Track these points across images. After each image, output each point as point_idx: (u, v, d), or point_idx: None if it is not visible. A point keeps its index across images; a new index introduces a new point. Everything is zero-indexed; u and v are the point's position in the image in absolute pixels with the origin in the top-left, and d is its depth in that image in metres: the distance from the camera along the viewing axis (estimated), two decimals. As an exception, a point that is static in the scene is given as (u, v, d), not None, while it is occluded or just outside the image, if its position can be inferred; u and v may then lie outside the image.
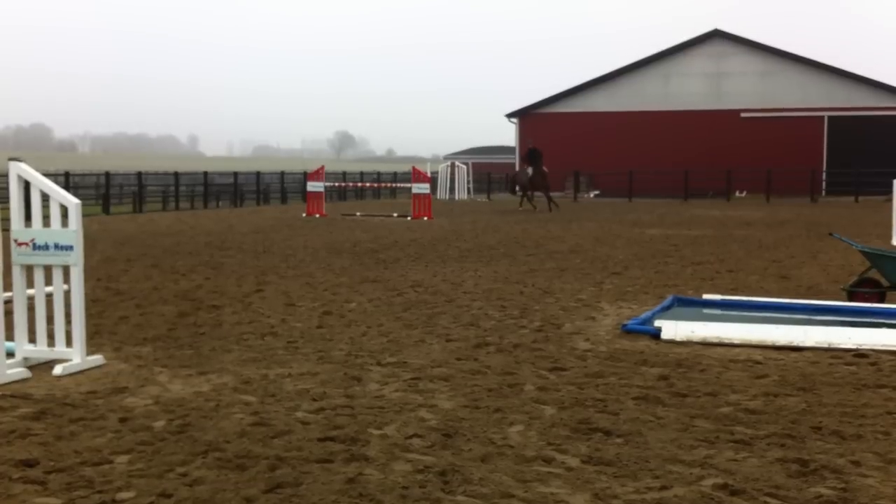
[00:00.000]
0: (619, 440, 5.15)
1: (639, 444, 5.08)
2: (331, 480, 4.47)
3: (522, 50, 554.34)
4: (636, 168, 46.61)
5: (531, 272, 13.34)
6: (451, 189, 45.88)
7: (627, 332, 8.45)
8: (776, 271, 13.54)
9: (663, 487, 4.38)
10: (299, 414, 5.67)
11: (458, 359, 7.32)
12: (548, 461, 4.78)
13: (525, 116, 54.75)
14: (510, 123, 55.67)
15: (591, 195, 48.96)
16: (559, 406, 5.88)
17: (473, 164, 53.21)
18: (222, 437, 5.15)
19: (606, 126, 52.24)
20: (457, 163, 48.06)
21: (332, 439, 5.13)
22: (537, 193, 33.51)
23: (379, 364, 7.12)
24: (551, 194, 33.85)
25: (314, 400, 6.01)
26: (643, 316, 9.06)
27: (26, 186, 7.01)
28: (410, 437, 5.20)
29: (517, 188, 34.25)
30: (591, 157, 51.01)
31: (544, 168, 33.12)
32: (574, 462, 4.77)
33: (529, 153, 33.33)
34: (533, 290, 11.42)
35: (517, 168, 34.50)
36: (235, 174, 41.61)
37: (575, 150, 51.52)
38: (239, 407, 5.83)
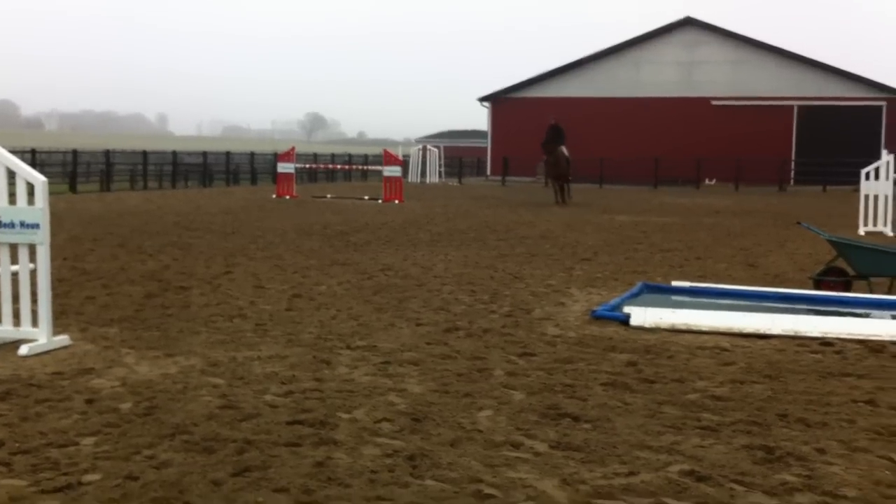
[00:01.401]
0: (587, 426, 5.17)
1: (607, 429, 5.10)
2: (299, 464, 4.46)
3: (495, 36, 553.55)
4: (607, 155, 46.76)
5: (501, 257, 13.35)
6: (423, 172, 45.81)
7: (597, 318, 8.49)
8: (744, 259, 13.66)
9: (630, 473, 4.41)
10: (268, 397, 5.64)
11: (428, 343, 7.32)
12: (516, 446, 4.79)
13: (497, 101, 54.70)
14: (482, 108, 55.59)
15: (562, 181, 49.02)
16: (528, 391, 5.90)
17: (445, 147, 53.15)
18: (190, 420, 5.12)
19: (578, 112, 52.28)
20: (429, 146, 47.99)
21: (300, 423, 5.11)
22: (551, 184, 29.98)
23: (348, 348, 7.10)
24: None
25: (283, 383, 5.98)
26: (612, 302, 9.10)
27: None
28: (380, 421, 5.19)
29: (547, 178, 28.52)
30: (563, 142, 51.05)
31: (564, 150, 27.69)
32: (542, 447, 4.79)
33: (554, 131, 27.80)
34: (503, 275, 11.44)
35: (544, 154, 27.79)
36: (205, 154, 41.26)
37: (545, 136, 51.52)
38: (207, 389, 5.80)
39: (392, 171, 28.44)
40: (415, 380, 6.15)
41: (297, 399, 5.61)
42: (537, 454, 4.68)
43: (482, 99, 55.33)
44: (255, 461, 4.48)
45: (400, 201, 27.03)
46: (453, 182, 46.04)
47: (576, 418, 5.29)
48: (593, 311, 8.67)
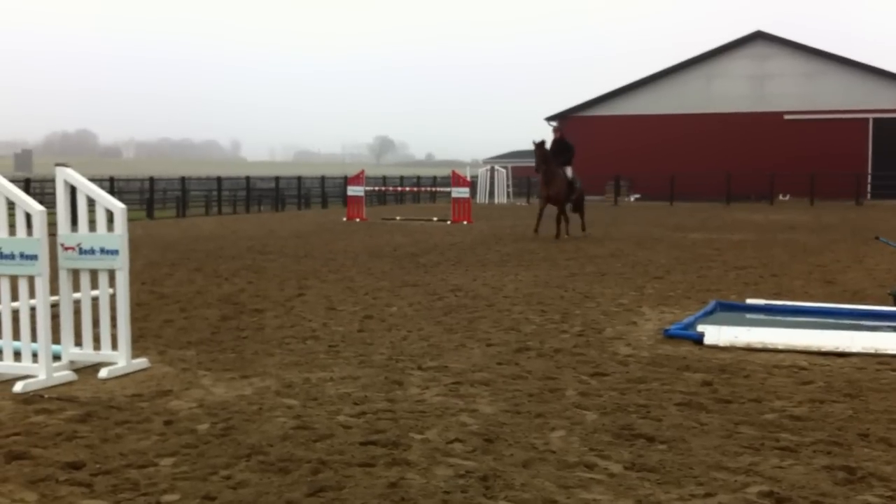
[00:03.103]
0: (662, 446, 5.10)
1: (682, 450, 5.03)
2: (373, 484, 4.48)
3: (562, 55, 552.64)
4: (677, 171, 46.26)
5: (571, 276, 13.28)
6: (491, 193, 45.86)
7: (670, 337, 8.38)
8: (821, 276, 13.37)
9: (707, 495, 4.34)
10: (341, 418, 5.69)
11: (499, 363, 7.31)
12: (590, 467, 4.75)
13: (565, 120, 54.55)
14: (550, 127, 55.49)
15: (632, 199, 48.67)
16: (601, 411, 5.85)
17: (513, 167, 53.13)
18: (265, 441, 5.19)
19: (647, 129, 51.89)
20: (496, 167, 48.03)
21: (373, 443, 5.15)
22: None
23: (420, 368, 7.13)
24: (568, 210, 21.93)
25: (356, 404, 6.03)
26: (685, 321, 8.99)
27: (73, 192, 7.12)
28: (452, 441, 5.20)
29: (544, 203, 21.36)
30: (632, 160, 50.68)
31: (569, 170, 21.25)
32: (616, 468, 4.74)
33: (558, 146, 21.33)
34: (573, 294, 11.38)
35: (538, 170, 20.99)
36: (277, 179, 41.93)
37: (615, 154, 51.23)
38: (281, 410, 5.87)
39: (460, 192, 28.53)
40: (486, 400, 6.14)
41: (370, 420, 5.65)
42: (611, 475, 4.63)
43: (550, 118, 55.24)
44: (330, 482, 4.51)
45: (468, 222, 27.08)
46: (521, 202, 45.97)
47: (650, 439, 5.23)
48: (666, 330, 8.56)
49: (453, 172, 31.11)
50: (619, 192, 47.31)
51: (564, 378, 6.80)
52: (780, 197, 45.96)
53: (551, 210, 21.26)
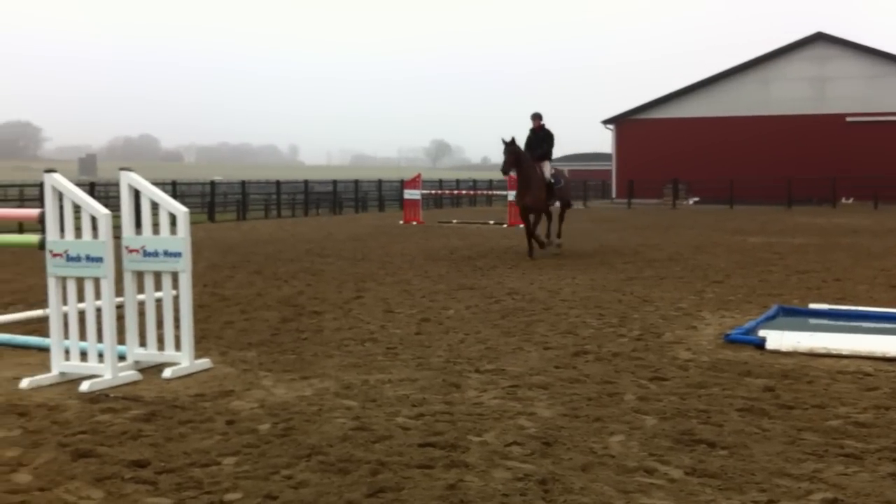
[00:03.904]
0: (723, 452, 5.04)
1: (744, 456, 4.97)
2: (431, 486, 4.50)
3: (619, 58, 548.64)
4: (737, 175, 45.66)
5: (629, 280, 13.18)
6: (548, 196, 45.62)
7: (730, 342, 8.28)
8: (885, 280, 13.10)
9: (770, 501, 4.28)
10: (399, 419, 5.72)
11: (557, 367, 7.28)
12: (650, 472, 4.72)
13: (622, 123, 54.18)
14: (607, 130, 55.15)
15: (691, 202, 48.14)
16: (661, 416, 5.80)
17: (569, 171, 52.92)
18: (325, 441, 5.24)
19: (706, 132, 51.30)
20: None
21: (432, 445, 5.17)
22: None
23: (477, 371, 7.14)
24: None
25: (414, 406, 6.06)
26: (747, 325, 8.87)
27: (136, 195, 7.26)
28: (510, 444, 5.20)
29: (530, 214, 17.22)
30: (690, 163, 50.17)
31: (547, 167, 17.25)
32: (677, 473, 4.69)
33: (534, 140, 17.31)
34: (631, 298, 11.29)
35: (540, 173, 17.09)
36: (334, 182, 42.30)
37: (673, 157, 50.76)
38: (341, 411, 5.92)
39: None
40: (544, 404, 6.13)
41: (428, 422, 5.67)
42: (672, 481, 4.59)
43: (606, 121, 54.91)
44: (389, 483, 4.54)
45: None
46: (578, 205, 45.73)
47: (711, 444, 5.17)
48: (727, 335, 8.46)
49: (510, 176, 31.07)
50: (678, 195, 46.81)
51: (623, 382, 6.76)
52: (843, 200, 45.10)
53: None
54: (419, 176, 31.90)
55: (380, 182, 45.22)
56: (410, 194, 30.60)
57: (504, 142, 16.30)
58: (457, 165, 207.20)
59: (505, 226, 27.31)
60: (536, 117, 17.48)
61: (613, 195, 53.97)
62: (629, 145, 53.30)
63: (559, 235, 18.14)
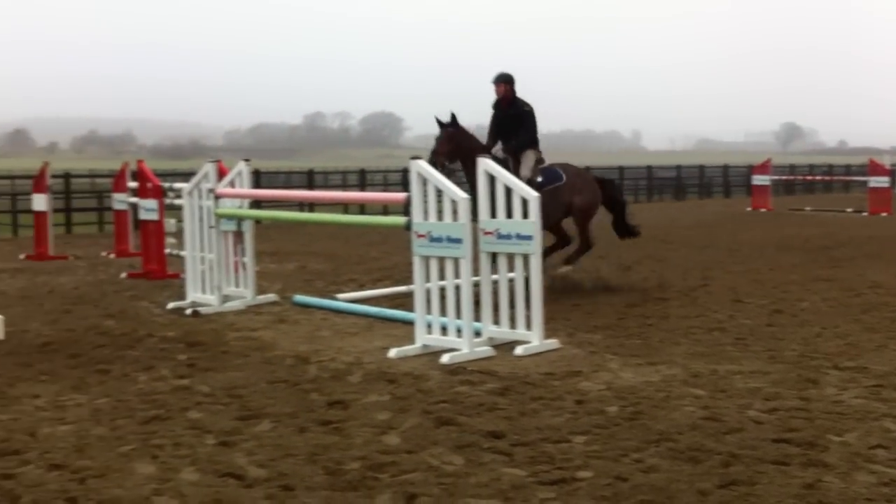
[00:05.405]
0: None
1: None
2: (787, 483, 4.35)
3: None
4: None
5: None
6: (915, 183, 41.82)
7: None
8: None
9: None
10: (751, 412, 5.56)
11: (929, 368, 6.70)
12: None
13: None
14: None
15: None
16: None
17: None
18: (674, 428, 5.21)
19: None
20: (922, 154, 43.71)
21: (786, 441, 4.98)
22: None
23: (836, 368, 6.74)
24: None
25: (766, 399, 5.85)
26: None
27: (491, 181, 7.62)
28: (874, 447, 4.88)
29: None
30: None
31: (525, 163, 10.80)
32: None
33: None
34: None
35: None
36: (678, 168, 41.52)
37: None
38: (689, 400, 5.86)
39: (879, 181, 26.41)
40: (914, 407, 5.68)
41: (782, 417, 5.46)
42: None
43: None
44: (741, 476, 4.44)
45: (888, 213, 24.98)
46: None
47: None
48: None
49: (871, 161, 28.84)
50: None
51: None
52: None
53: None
54: (769, 161, 30.52)
55: (725, 167, 43.73)
56: (759, 180, 29.37)
57: (440, 122, 10.56)
58: (809, 150, 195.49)
59: (865, 214, 25.41)
60: (502, 81, 10.94)
61: None
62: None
63: (570, 261, 11.27)
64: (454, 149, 10.40)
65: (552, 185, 10.77)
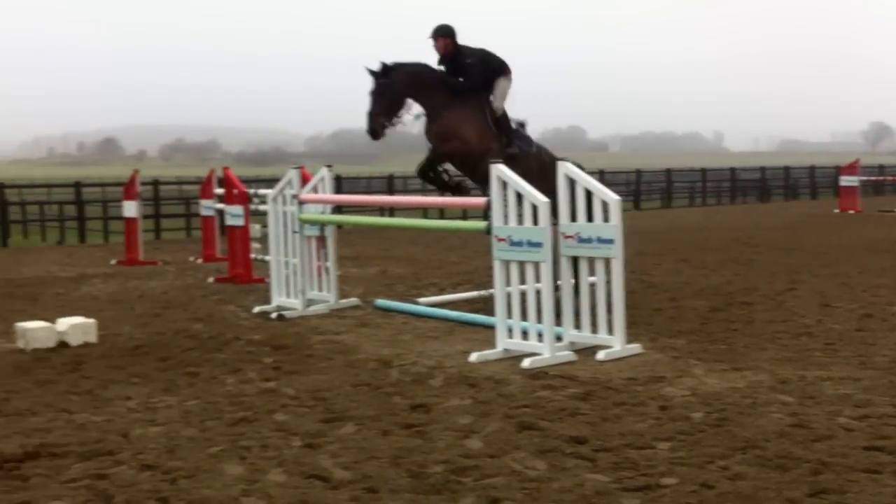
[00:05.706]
0: None
1: None
2: (879, 492, 4.24)
3: None
4: None
5: None
6: None
7: None
8: None
9: None
10: (841, 420, 5.43)
11: None
12: None
13: None
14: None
15: None
16: None
17: None
18: (761, 435, 5.12)
19: None
20: None
21: (879, 449, 4.85)
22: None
23: (930, 374, 6.55)
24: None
25: (857, 406, 5.71)
26: None
27: (571, 184, 7.59)
28: (972, 457, 4.72)
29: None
30: None
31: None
32: None
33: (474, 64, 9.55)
34: None
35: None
36: (762, 169, 40.74)
37: None
38: (776, 406, 5.75)
39: (975, 181, 25.52)
40: None
41: (874, 424, 5.32)
42: None
43: None
44: (831, 484, 4.34)
45: None
46: None
47: None
48: None
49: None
50: None
51: None
52: None
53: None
54: (857, 161, 29.72)
55: (812, 168, 42.71)
56: (847, 181, 28.61)
57: (371, 72, 9.36)
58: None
59: (960, 215, 24.56)
60: (440, 35, 9.59)
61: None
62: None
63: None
64: (390, 105, 9.45)
65: (530, 150, 9.99)
